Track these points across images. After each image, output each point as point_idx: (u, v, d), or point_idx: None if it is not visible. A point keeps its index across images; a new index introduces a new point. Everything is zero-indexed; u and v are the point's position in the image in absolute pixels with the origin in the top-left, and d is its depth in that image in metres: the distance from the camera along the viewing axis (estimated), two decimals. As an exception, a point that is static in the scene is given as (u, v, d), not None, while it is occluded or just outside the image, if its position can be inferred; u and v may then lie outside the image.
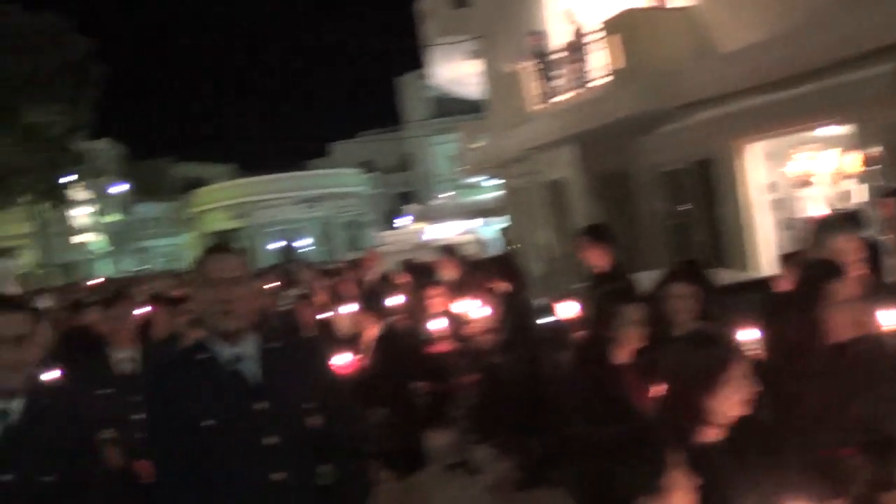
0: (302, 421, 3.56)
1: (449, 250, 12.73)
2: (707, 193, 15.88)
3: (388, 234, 26.68)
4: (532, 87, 20.56)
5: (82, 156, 37.83)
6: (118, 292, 9.31)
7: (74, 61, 30.68)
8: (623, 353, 5.30)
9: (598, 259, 8.19)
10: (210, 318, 3.60)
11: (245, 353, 3.59)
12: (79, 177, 38.89)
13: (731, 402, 3.44)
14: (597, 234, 8.38)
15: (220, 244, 3.87)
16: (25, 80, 28.01)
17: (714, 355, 3.52)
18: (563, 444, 8.06)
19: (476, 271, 10.59)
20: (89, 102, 32.65)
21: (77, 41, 31.13)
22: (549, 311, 9.63)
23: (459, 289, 10.80)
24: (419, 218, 35.93)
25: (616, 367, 5.28)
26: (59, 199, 38.02)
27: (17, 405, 3.60)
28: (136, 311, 11.81)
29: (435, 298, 10.40)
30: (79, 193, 46.62)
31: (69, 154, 34.21)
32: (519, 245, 23.88)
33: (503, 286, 9.30)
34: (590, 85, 17.95)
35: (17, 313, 3.69)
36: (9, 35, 28.13)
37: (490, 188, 34.32)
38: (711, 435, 3.47)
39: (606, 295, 5.77)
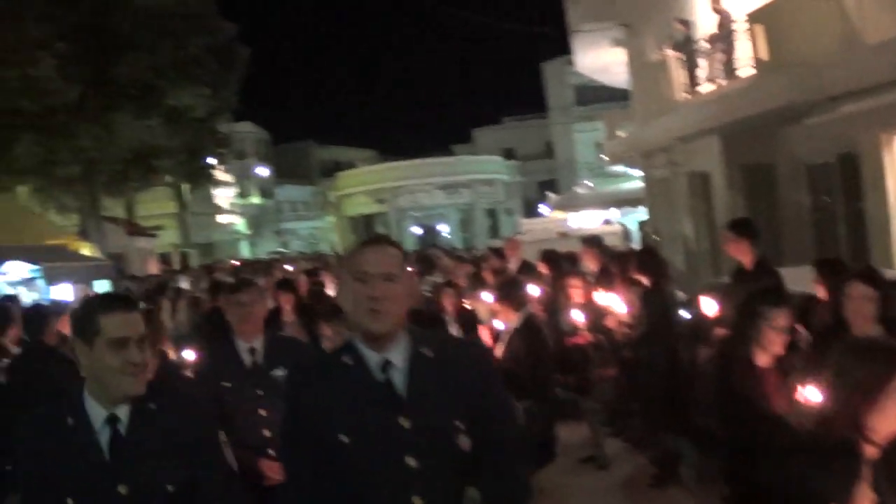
0: (451, 440, 3.16)
1: (591, 241, 12.71)
2: (853, 187, 15.51)
3: (529, 222, 26.67)
4: (677, 76, 20.38)
5: (226, 138, 38.77)
6: (254, 273, 9.63)
7: (219, 45, 31.60)
8: (765, 356, 5.18)
9: (742, 254, 8.14)
10: (358, 317, 3.20)
11: (393, 359, 3.21)
12: (221, 159, 39.71)
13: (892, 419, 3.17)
14: (742, 228, 8.30)
15: (379, 236, 3.47)
16: (170, 63, 29.00)
17: (883, 367, 3.24)
18: (699, 441, 8.08)
19: (618, 263, 10.50)
20: (233, 86, 33.50)
21: (221, 25, 31.98)
22: (690, 305, 9.59)
23: (600, 280, 10.81)
24: (558, 206, 35.85)
25: (756, 369, 5.17)
26: (203, 180, 38.95)
27: (124, 409, 3.35)
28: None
29: (575, 289, 10.34)
30: (221, 175, 47.72)
31: (213, 136, 35.17)
32: (659, 237, 23.70)
33: (645, 279, 9.24)
34: (735, 75, 17.74)
35: (137, 313, 3.44)
36: (154, 18, 29.15)
37: (631, 178, 34.09)
38: (868, 452, 3.19)
39: (754, 294, 5.64)
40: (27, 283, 13.58)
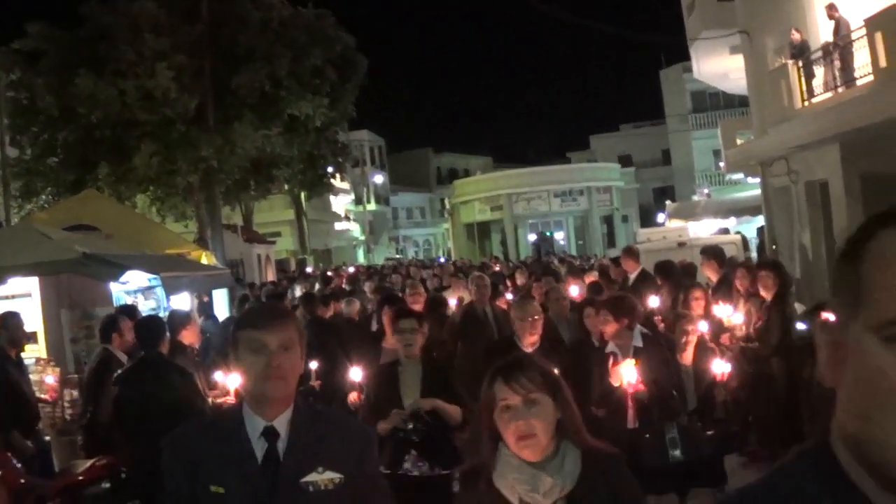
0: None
1: (711, 251, 12.52)
2: (977, 198, 15.15)
3: (647, 231, 26.47)
4: (795, 84, 20.14)
5: (345, 147, 39.38)
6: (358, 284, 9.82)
7: (337, 55, 32.16)
8: None
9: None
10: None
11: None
12: (339, 167, 40.36)
13: None
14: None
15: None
16: (289, 73, 29.62)
17: None
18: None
19: (739, 275, 10.40)
20: (351, 95, 34.06)
21: (339, 35, 32.49)
22: (812, 317, 9.50)
23: (718, 292, 10.74)
24: (675, 215, 35.52)
25: None
26: (321, 189, 39.62)
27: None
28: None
29: (696, 301, 10.16)
30: (338, 182, 48.52)
31: (331, 145, 35.77)
32: (777, 246, 23.39)
33: (767, 293, 9.20)
34: (854, 83, 17.48)
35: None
36: (272, 30, 29.86)
37: (749, 186, 33.63)
38: None
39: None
40: (145, 291, 13.94)
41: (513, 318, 7.90)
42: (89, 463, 8.27)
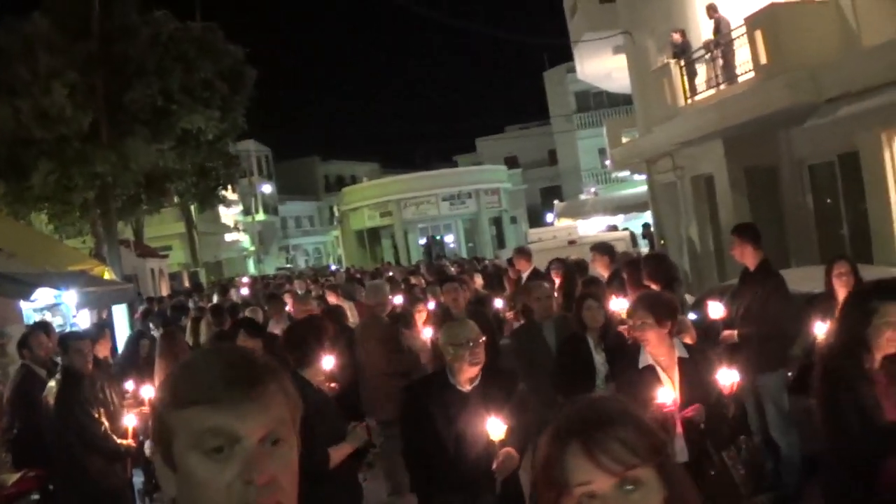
0: None
1: (602, 248, 12.68)
2: (854, 187, 15.84)
3: (537, 231, 26.87)
4: (678, 82, 20.70)
5: (237, 159, 39.25)
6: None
7: (227, 68, 32.04)
8: (875, 358, 4.62)
9: (746, 257, 8.44)
10: None
11: None
12: (231, 179, 40.20)
13: None
14: (744, 232, 8.58)
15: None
16: (180, 87, 29.49)
17: None
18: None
19: (629, 269, 10.39)
20: (241, 107, 33.97)
21: (229, 49, 32.42)
22: (697, 308, 9.82)
23: (611, 287, 10.97)
24: (564, 214, 36.14)
25: (870, 374, 4.61)
26: (213, 201, 39.41)
27: None
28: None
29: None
30: (229, 193, 48.32)
31: (224, 157, 35.63)
32: (664, 241, 24.01)
33: (655, 285, 9.12)
34: (736, 80, 18.07)
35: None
36: (161, 45, 29.67)
37: (635, 183, 34.40)
38: None
39: (859, 294, 5.19)
40: (52, 308, 13.93)
41: (441, 345, 5.75)
42: (18, 475, 8.37)
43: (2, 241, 15.81)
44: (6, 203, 27.71)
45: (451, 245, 62.97)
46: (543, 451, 1.97)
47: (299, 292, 17.71)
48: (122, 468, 8.34)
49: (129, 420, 8.06)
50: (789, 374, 8.06)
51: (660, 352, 5.73)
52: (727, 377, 5.80)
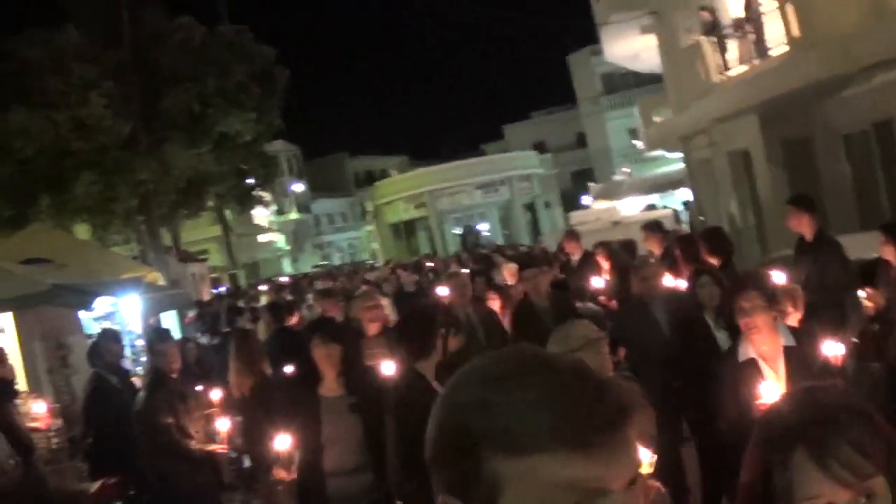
0: None
1: (653, 226, 12.70)
2: (891, 154, 15.98)
3: (579, 214, 27.02)
4: (711, 59, 20.82)
5: (273, 159, 39.63)
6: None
7: (259, 69, 32.46)
8: None
9: (803, 227, 8.69)
10: None
11: None
12: (268, 179, 40.57)
13: None
14: (802, 203, 8.83)
15: None
16: (215, 91, 29.93)
17: None
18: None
19: (683, 246, 10.29)
20: (275, 107, 34.38)
21: (261, 50, 32.81)
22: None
23: (665, 265, 11.02)
24: (600, 196, 36.26)
25: None
26: (251, 202, 39.80)
27: None
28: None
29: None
30: (262, 195, 48.87)
31: (260, 158, 36.05)
32: (704, 217, 24.13)
33: (715, 260, 9.10)
34: (770, 54, 18.20)
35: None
36: (194, 50, 30.10)
37: (669, 161, 34.46)
38: None
39: None
40: (108, 317, 14.24)
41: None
42: (98, 484, 8.51)
43: (50, 252, 16.15)
44: (50, 216, 28.12)
45: (487, 233, 63.12)
46: (755, 460, 1.72)
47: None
48: (208, 472, 8.35)
49: (222, 424, 7.93)
50: (853, 340, 8.26)
51: (765, 340, 5.02)
52: (832, 349, 5.14)
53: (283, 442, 5.89)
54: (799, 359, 4.93)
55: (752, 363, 4.96)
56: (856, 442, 1.59)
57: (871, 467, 1.58)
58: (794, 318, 6.11)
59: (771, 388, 4.66)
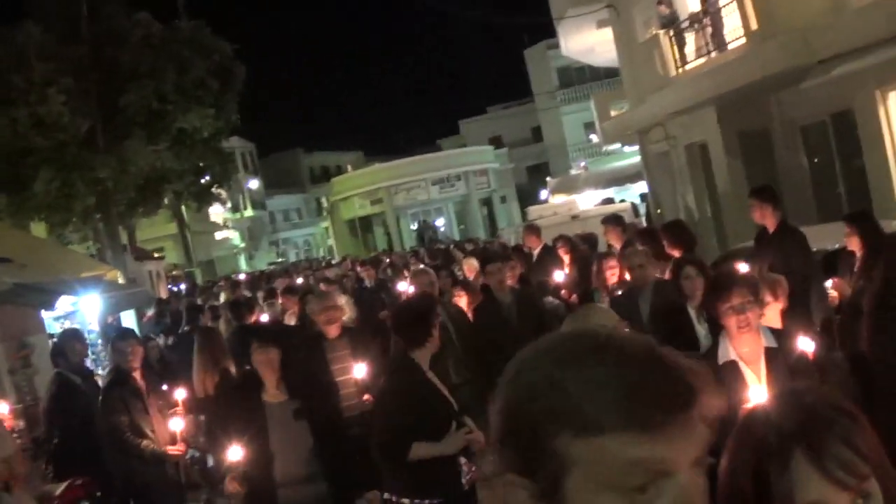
0: None
1: (613, 219, 12.80)
2: (848, 145, 16.14)
3: (537, 209, 27.09)
4: (668, 53, 20.92)
5: (231, 155, 39.33)
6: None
7: (217, 65, 32.16)
8: None
9: (766, 218, 8.69)
10: None
11: None
12: (226, 176, 40.29)
13: None
14: (764, 194, 8.83)
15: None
16: (174, 87, 29.67)
17: None
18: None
19: (644, 239, 10.26)
20: (233, 103, 34.11)
21: (218, 45, 32.49)
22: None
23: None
24: (557, 190, 36.38)
25: None
26: (209, 199, 39.49)
27: None
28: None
29: (611, 270, 9.76)
30: (219, 192, 48.59)
31: (219, 155, 35.76)
32: (660, 210, 24.26)
33: (677, 251, 9.13)
34: (726, 47, 18.29)
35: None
36: (152, 46, 29.79)
37: (626, 155, 34.65)
38: None
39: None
40: (68, 316, 14.12)
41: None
42: (64, 485, 8.39)
43: (10, 251, 15.92)
44: (8, 214, 27.83)
45: (443, 228, 63.12)
46: (745, 466, 1.70)
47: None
48: (165, 471, 8.32)
49: (176, 424, 7.95)
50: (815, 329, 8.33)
51: (748, 341, 4.76)
52: (805, 345, 4.88)
53: (235, 453, 5.83)
54: (780, 361, 4.73)
55: (733, 366, 4.73)
56: (850, 442, 1.61)
57: (867, 467, 1.60)
58: (775, 308, 6.02)
59: (758, 392, 4.45)
